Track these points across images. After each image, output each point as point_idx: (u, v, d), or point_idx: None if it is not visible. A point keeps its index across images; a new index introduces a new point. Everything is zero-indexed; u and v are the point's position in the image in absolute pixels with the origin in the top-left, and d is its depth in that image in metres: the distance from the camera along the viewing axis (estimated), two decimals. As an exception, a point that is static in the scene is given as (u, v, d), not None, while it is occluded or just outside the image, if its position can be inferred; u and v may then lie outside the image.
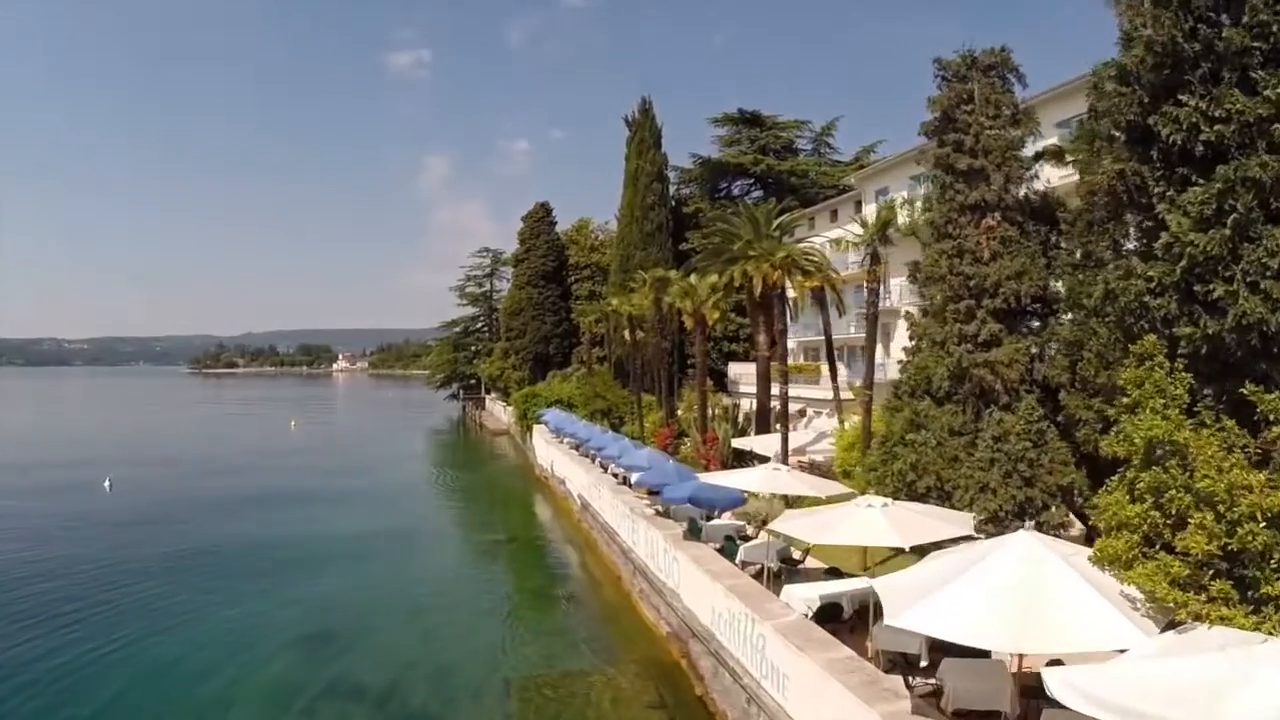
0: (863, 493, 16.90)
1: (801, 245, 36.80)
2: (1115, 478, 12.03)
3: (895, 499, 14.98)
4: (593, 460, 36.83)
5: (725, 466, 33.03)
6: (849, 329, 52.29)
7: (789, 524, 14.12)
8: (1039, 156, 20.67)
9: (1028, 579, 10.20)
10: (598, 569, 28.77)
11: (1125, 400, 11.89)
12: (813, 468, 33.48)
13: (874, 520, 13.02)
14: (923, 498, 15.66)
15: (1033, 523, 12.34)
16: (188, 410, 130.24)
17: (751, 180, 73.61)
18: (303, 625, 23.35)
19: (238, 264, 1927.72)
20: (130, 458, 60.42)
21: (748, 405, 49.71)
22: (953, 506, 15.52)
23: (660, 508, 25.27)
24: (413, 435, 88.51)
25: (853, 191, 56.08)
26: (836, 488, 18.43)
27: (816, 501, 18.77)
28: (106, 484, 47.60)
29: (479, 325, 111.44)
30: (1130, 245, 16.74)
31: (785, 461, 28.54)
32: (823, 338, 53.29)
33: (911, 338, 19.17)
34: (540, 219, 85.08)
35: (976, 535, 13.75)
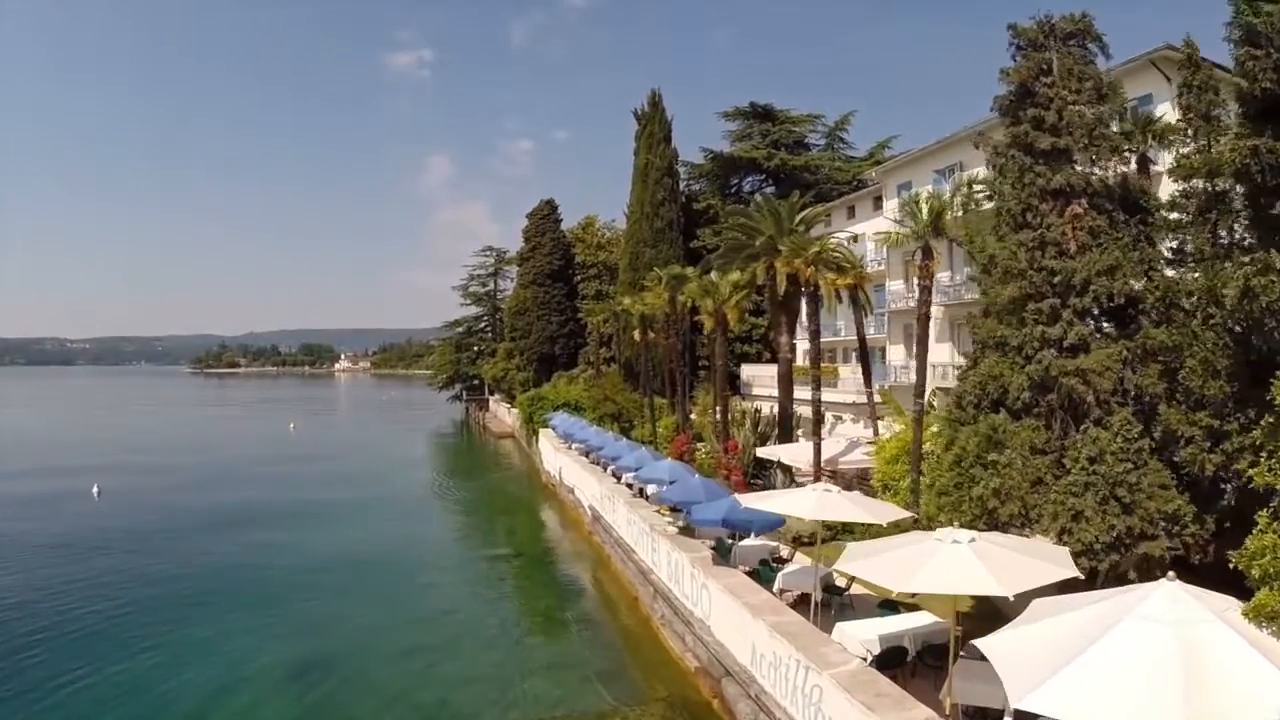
0: (930, 520, 14.77)
1: (830, 242, 34.68)
2: (1264, 514, 9.97)
3: (973, 528, 12.87)
4: (605, 469, 34.74)
5: (746, 476, 30.99)
6: (868, 329, 50.24)
7: (860, 564, 11.92)
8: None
9: (1184, 646, 8.13)
10: (612, 588, 26.67)
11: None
12: (834, 476, 31.24)
13: (964, 560, 10.88)
14: (1004, 527, 13.53)
15: (1169, 570, 10.19)
16: (185, 412, 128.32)
17: (763, 176, 71.56)
18: (286, 650, 21.32)
19: (240, 264, 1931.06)
20: (122, 463, 58.51)
21: (765, 409, 47.58)
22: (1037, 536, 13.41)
23: (682, 523, 23.23)
24: (415, 438, 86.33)
25: (872, 186, 53.97)
26: (894, 511, 16.19)
27: (874, 530, 16.58)
28: (94, 491, 45.77)
29: (482, 325, 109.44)
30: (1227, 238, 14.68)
31: (818, 474, 26.53)
32: (837, 339, 51.59)
33: (975, 341, 17.05)
34: (545, 216, 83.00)
35: (1078, 575, 11.64)
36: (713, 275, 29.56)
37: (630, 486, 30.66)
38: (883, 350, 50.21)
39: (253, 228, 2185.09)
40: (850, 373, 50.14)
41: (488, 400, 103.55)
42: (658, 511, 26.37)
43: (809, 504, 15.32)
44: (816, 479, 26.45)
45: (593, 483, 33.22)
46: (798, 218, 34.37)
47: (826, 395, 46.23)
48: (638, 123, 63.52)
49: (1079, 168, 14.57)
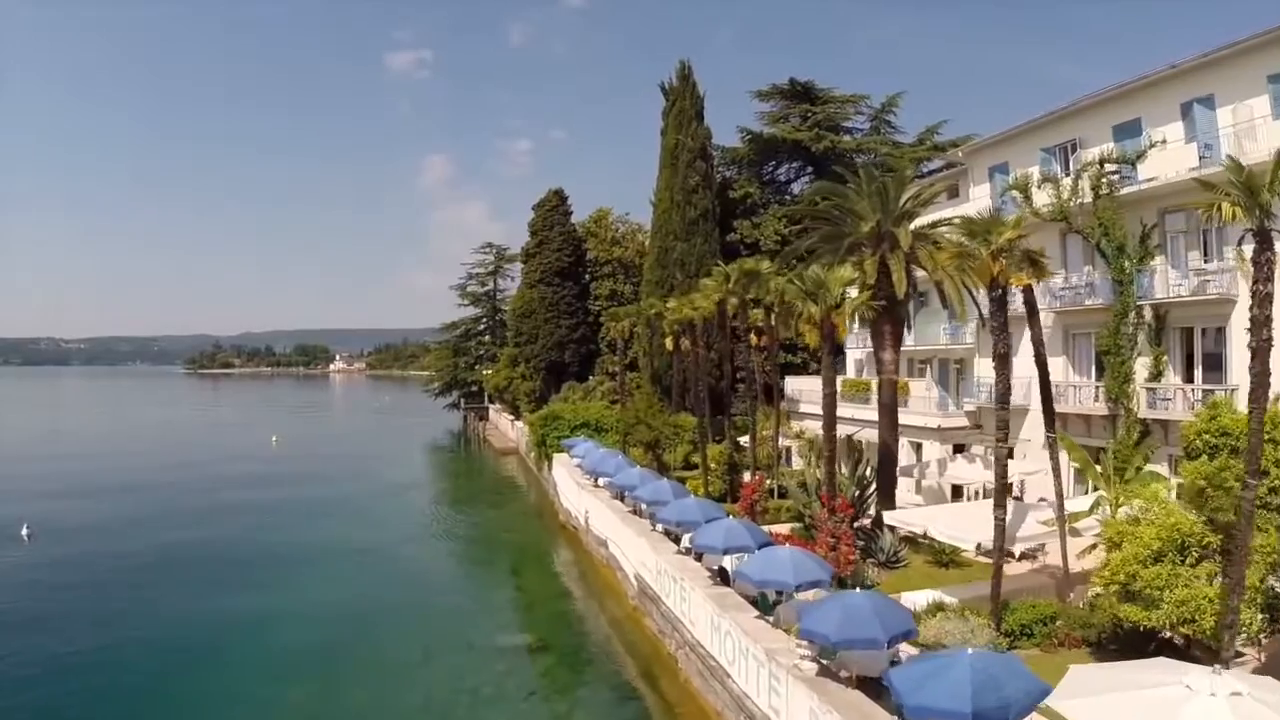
0: None
1: (946, 228, 26.73)
2: None
3: None
4: (654, 526, 26.49)
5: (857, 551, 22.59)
6: (938, 337, 42.29)
7: None
8: None
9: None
10: (687, 712, 18.59)
11: None
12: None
13: None
14: None
15: None
16: (164, 420, 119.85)
17: (801, 163, 63.58)
18: None
19: (236, 264, 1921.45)
20: (73, 490, 50.13)
21: (812, 430, 39.47)
22: None
23: (814, 648, 15.05)
24: (409, 455, 77.56)
25: (949, 170, 46.00)
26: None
27: None
28: (24, 532, 37.90)
29: (481, 328, 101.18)
30: None
31: (999, 569, 18.25)
32: (908, 348, 43.51)
33: None
34: (554, 208, 74.12)
35: None
36: (815, 269, 21.47)
37: (694, 554, 22.53)
38: (959, 362, 42.44)
39: (249, 227, 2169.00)
40: (925, 389, 42.14)
41: (487, 409, 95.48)
42: (755, 608, 18.26)
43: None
44: (996, 577, 18.19)
45: (641, 546, 24.90)
46: (904, 196, 26.40)
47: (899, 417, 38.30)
48: (665, 98, 55.23)
49: None
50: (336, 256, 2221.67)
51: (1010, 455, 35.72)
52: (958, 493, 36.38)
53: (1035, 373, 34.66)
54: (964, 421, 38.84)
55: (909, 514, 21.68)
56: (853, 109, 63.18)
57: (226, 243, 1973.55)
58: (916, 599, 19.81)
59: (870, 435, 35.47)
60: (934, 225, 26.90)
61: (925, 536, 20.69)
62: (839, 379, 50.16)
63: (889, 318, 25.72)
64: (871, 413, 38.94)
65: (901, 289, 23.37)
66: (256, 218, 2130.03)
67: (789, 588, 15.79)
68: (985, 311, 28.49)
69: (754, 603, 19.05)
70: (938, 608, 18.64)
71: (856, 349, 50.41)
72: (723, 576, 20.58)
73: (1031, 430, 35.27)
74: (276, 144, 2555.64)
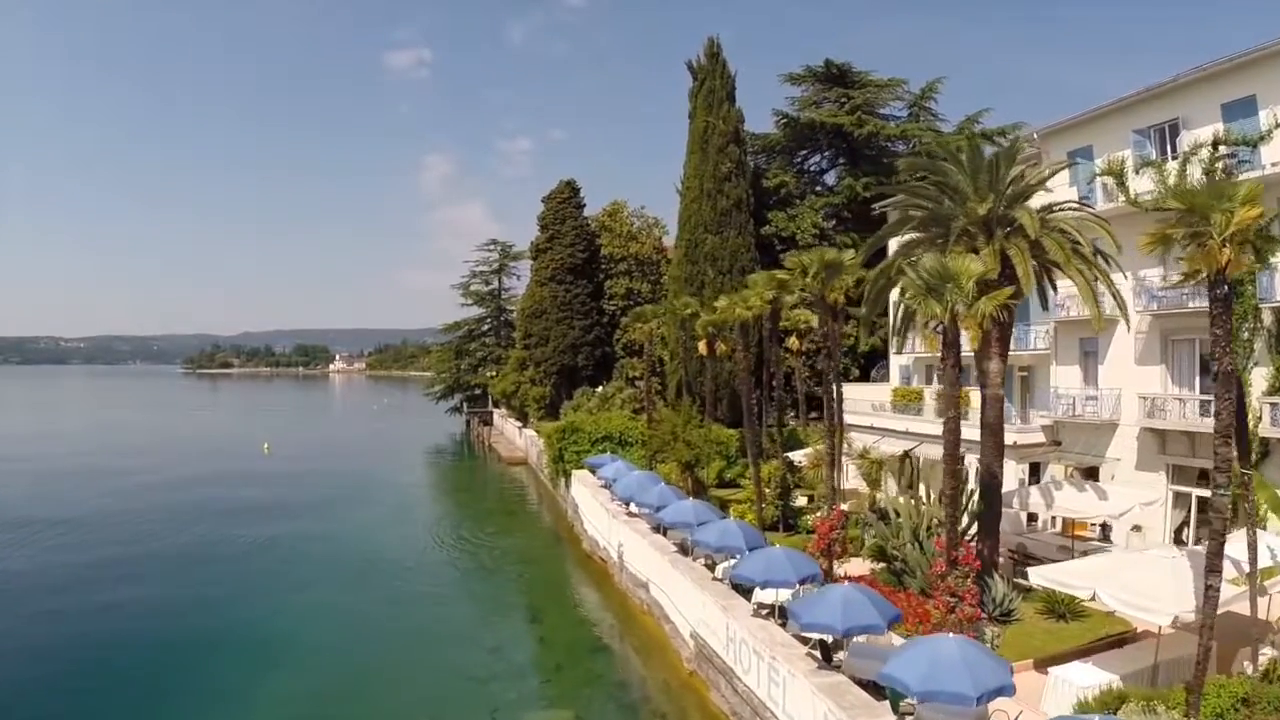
0: None
1: (1065, 212, 22.17)
2: None
3: None
4: (713, 572, 21.79)
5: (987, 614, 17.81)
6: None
7: None
8: None
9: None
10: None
11: None
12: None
13: None
14: None
15: None
16: (154, 423, 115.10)
17: (834, 152, 59.02)
18: None
19: (236, 264, 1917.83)
20: (36, 514, 44.90)
21: (861, 445, 34.96)
22: None
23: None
24: (410, 467, 72.17)
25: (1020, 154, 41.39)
26: None
27: None
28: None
29: (485, 328, 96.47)
30: None
31: (1206, 648, 13.65)
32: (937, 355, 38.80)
33: None
34: (566, 200, 69.16)
35: None
36: (932, 260, 16.70)
37: (773, 612, 17.93)
38: (1025, 369, 37.86)
39: (249, 227, 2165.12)
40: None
41: (492, 414, 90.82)
42: (869, 694, 13.64)
43: None
44: (1201, 664, 13.49)
45: (703, 602, 20.02)
46: (1009, 174, 21.73)
47: (935, 428, 33.75)
48: (693, 78, 50.50)
49: None
50: (336, 256, 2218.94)
51: (1094, 477, 31.66)
52: (1030, 519, 32.16)
53: (1124, 384, 30.77)
54: (1041, 438, 34.46)
55: (1063, 570, 16.79)
56: (890, 95, 58.67)
57: (226, 242, 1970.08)
58: (1075, 678, 15.21)
59: (929, 451, 31.41)
60: (1049, 210, 22.28)
61: (1093, 602, 15.95)
62: (887, 387, 46.00)
63: (996, 322, 21.08)
64: (927, 425, 34.90)
65: (1029, 284, 18.84)
66: (256, 217, 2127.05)
67: (969, 702, 11.12)
68: (1057, 313, 24.47)
69: (867, 688, 14.53)
70: (1117, 698, 14.04)
71: (904, 355, 46.08)
72: (822, 649, 15.93)
73: (1121, 448, 30.91)
74: (276, 144, 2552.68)
